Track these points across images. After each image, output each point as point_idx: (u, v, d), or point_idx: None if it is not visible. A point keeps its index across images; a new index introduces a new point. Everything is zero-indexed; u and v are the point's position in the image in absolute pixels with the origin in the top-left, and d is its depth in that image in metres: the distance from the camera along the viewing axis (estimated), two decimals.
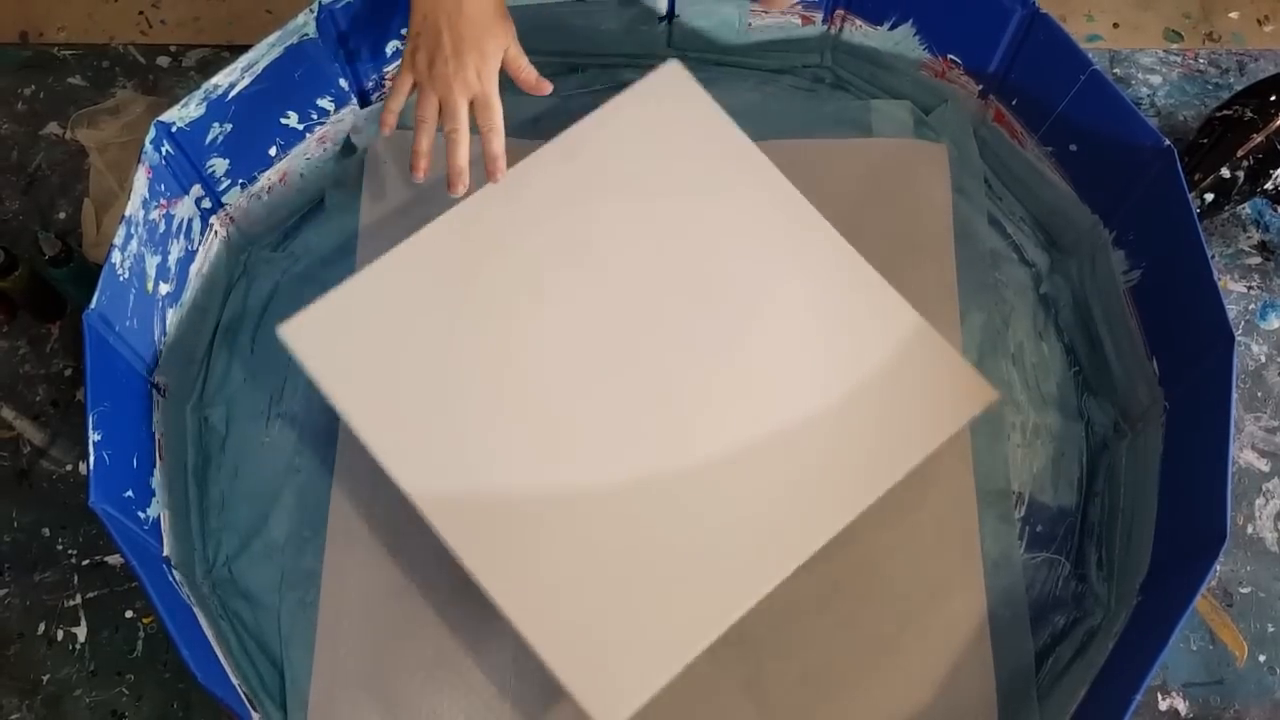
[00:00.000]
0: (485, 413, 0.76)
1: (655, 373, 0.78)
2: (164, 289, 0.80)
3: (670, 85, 0.84)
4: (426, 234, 0.79)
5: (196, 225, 0.84)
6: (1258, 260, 0.95)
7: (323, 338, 0.76)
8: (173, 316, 0.82)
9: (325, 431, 0.84)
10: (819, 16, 0.92)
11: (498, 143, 0.78)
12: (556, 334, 0.78)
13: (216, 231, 0.86)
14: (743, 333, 0.79)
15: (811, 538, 0.74)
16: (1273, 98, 0.91)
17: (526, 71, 0.80)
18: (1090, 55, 0.80)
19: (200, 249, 0.84)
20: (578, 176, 0.81)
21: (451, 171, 0.78)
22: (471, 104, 0.77)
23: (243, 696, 0.72)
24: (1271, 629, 0.84)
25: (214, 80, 0.78)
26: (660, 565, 0.73)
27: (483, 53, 0.76)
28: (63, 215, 0.93)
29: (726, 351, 0.79)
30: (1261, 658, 0.83)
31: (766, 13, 0.90)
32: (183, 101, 0.77)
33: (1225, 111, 0.93)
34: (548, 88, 0.81)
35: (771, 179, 0.83)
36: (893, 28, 0.90)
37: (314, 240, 0.91)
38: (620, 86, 0.96)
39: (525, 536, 0.73)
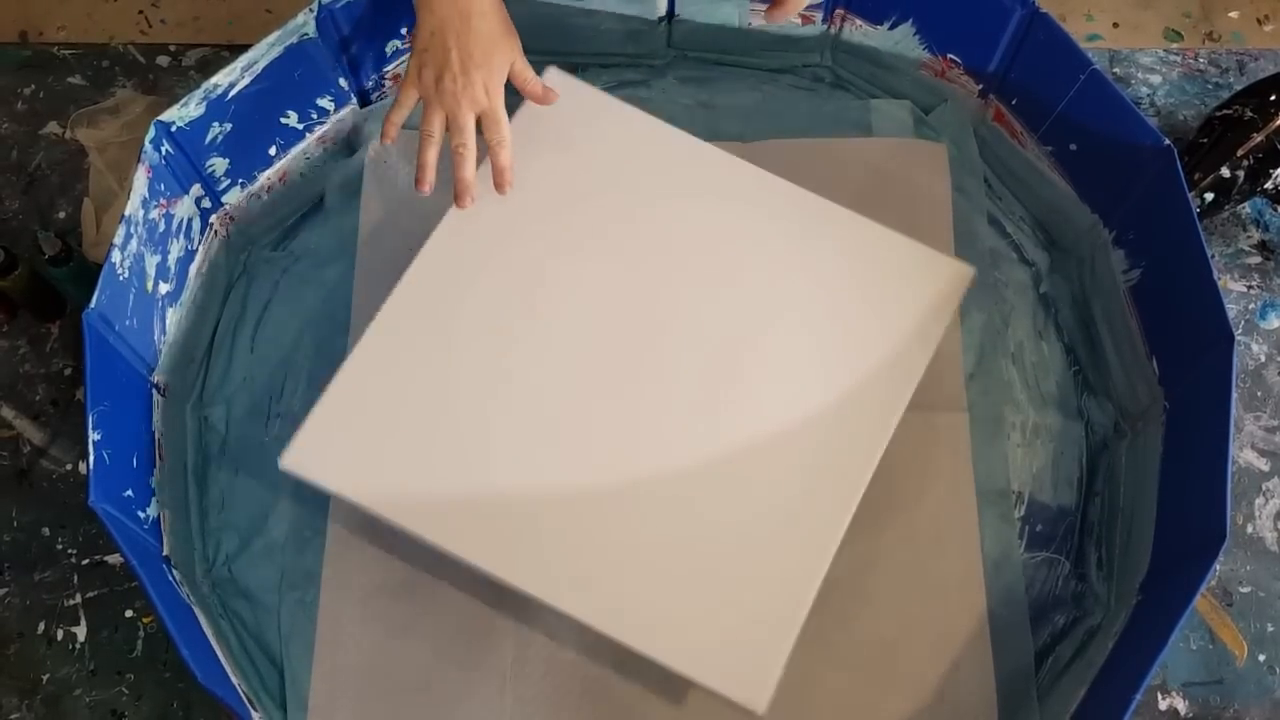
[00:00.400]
0: (509, 451, 0.75)
1: (664, 365, 0.78)
2: (164, 288, 0.80)
3: (563, 89, 0.84)
4: (404, 290, 0.78)
5: (196, 225, 0.84)
6: (1258, 260, 0.95)
7: (326, 451, 0.74)
8: (172, 316, 0.82)
9: None
10: (819, 16, 0.92)
11: (505, 156, 0.79)
12: (562, 348, 0.78)
13: (216, 231, 0.86)
14: (730, 302, 0.80)
15: (861, 468, 0.75)
16: (1273, 97, 0.91)
17: (533, 84, 0.81)
18: (1090, 55, 0.80)
19: (200, 248, 0.84)
20: (533, 198, 0.82)
21: (459, 185, 0.79)
22: (479, 118, 0.78)
23: (243, 696, 0.72)
24: (1271, 628, 0.84)
25: (214, 80, 0.78)
26: (723, 544, 0.73)
27: (490, 68, 0.77)
28: (62, 215, 0.93)
29: (721, 328, 0.79)
30: (1261, 657, 0.83)
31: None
32: (182, 101, 0.77)
33: (1225, 111, 0.93)
34: (554, 97, 0.82)
35: (704, 150, 0.84)
36: (892, 27, 0.90)
37: (314, 240, 0.91)
38: (621, 85, 0.97)
39: (586, 554, 0.73)
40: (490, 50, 0.76)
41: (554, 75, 0.84)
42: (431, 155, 0.79)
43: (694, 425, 0.76)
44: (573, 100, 0.84)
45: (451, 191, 0.80)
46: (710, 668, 0.70)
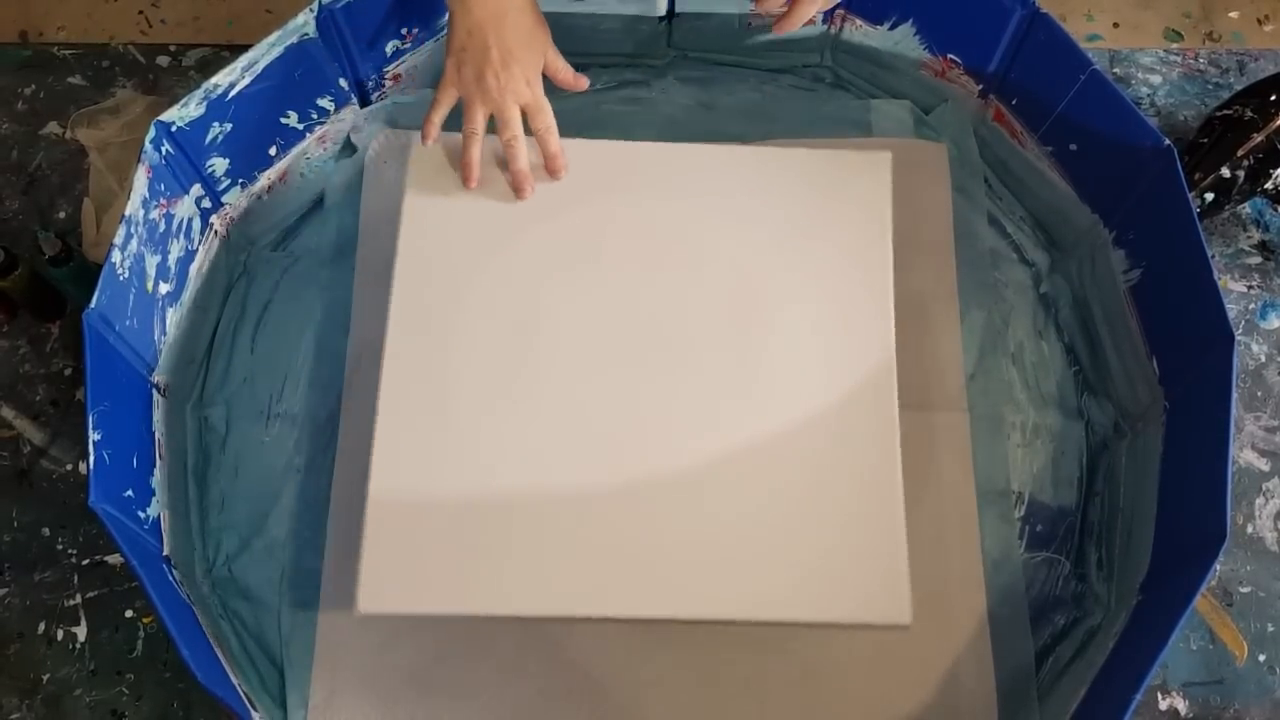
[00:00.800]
0: (564, 492, 0.74)
1: (668, 360, 0.78)
2: (164, 288, 0.80)
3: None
4: (395, 344, 0.77)
5: (196, 225, 0.84)
6: (1258, 260, 0.95)
7: (396, 576, 0.72)
8: (173, 316, 0.82)
9: (325, 431, 0.84)
10: (819, 16, 0.91)
11: (555, 141, 0.80)
12: (571, 368, 0.77)
13: (216, 231, 0.86)
14: (712, 285, 0.80)
15: (881, 379, 0.76)
16: (1273, 97, 0.91)
17: (564, 71, 0.82)
18: (1090, 55, 0.80)
19: (200, 248, 0.84)
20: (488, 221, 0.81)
21: (518, 177, 0.80)
22: (523, 110, 0.79)
23: (243, 696, 0.72)
24: (1271, 628, 0.84)
25: (214, 80, 0.78)
26: (789, 502, 0.74)
27: (529, 61, 0.78)
28: (63, 215, 0.93)
29: (711, 310, 0.79)
30: (1261, 657, 0.83)
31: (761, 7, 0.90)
32: (183, 101, 0.77)
33: (1225, 111, 0.93)
34: (585, 83, 0.83)
35: (651, 149, 0.84)
36: (893, 27, 0.90)
37: (314, 240, 0.91)
38: (621, 85, 0.97)
39: (674, 559, 0.72)
40: (529, 43, 0.78)
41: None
42: (476, 153, 0.80)
43: (714, 409, 0.76)
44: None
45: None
46: (848, 607, 0.72)
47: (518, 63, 0.77)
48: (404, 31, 0.88)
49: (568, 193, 0.81)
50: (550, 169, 0.81)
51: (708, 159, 0.83)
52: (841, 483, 0.74)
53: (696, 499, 0.74)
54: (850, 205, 0.81)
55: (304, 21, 0.79)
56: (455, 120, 0.93)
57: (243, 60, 0.78)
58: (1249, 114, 0.91)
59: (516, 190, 0.80)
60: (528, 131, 0.79)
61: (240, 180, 0.86)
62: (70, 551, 0.83)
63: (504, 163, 0.80)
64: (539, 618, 0.73)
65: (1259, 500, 0.87)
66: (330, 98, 0.87)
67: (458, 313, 0.78)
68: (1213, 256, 0.90)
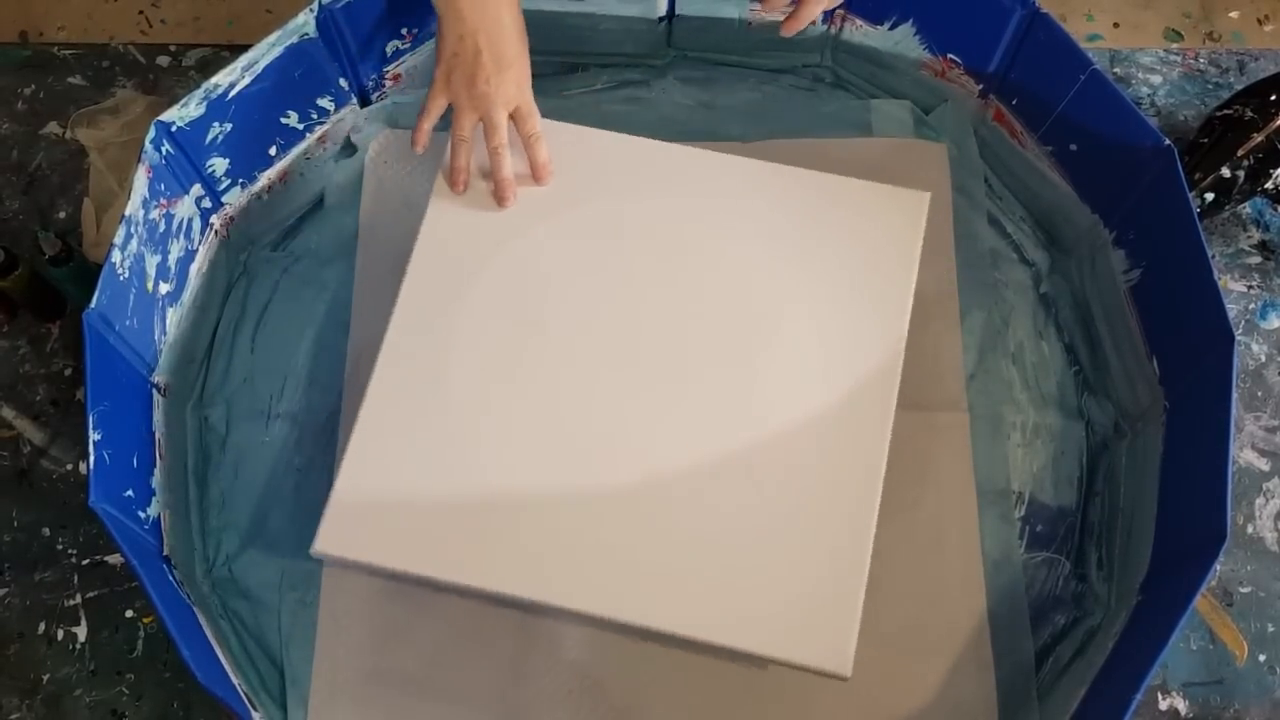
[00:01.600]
0: (539, 478, 0.74)
1: (667, 364, 0.78)
2: (164, 288, 0.80)
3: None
4: (399, 322, 0.78)
5: (196, 225, 0.84)
6: (1258, 260, 0.95)
7: (358, 526, 0.73)
8: (173, 316, 0.82)
9: (325, 431, 0.84)
10: (820, 15, 0.91)
11: (544, 150, 0.81)
12: (570, 363, 0.77)
13: (216, 231, 0.86)
14: (720, 293, 0.80)
15: (878, 417, 0.76)
16: (1273, 97, 0.91)
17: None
18: (1090, 55, 0.80)
19: (200, 248, 0.84)
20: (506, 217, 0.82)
21: (501, 185, 0.80)
22: (512, 115, 0.80)
23: (243, 696, 0.72)
24: (1271, 628, 0.84)
25: (214, 80, 0.78)
26: (763, 528, 0.73)
27: (521, 65, 0.79)
28: (63, 215, 0.93)
29: (715, 319, 0.79)
30: (1261, 657, 0.83)
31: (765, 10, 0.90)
32: (183, 101, 0.77)
33: (1225, 111, 0.93)
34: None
35: (667, 149, 0.84)
36: (893, 27, 0.90)
37: (314, 240, 0.91)
38: (621, 85, 0.97)
39: (637, 563, 0.72)
40: (520, 48, 0.79)
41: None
42: (466, 158, 0.80)
43: (706, 419, 0.76)
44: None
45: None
46: (789, 645, 0.71)
47: (510, 68, 0.78)
48: (404, 31, 0.88)
49: (586, 189, 0.82)
50: (536, 176, 0.81)
51: (739, 171, 0.83)
52: (816, 512, 0.74)
53: (670, 505, 0.74)
54: (878, 238, 0.81)
55: (304, 21, 0.79)
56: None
57: (243, 60, 0.78)
58: (1249, 114, 0.91)
59: (499, 199, 0.81)
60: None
61: (240, 180, 0.86)
62: (70, 551, 0.83)
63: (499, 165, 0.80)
64: (485, 591, 0.72)
65: (1259, 500, 0.87)
66: (330, 98, 0.87)
67: (461, 309, 0.78)
68: (1213, 256, 0.89)
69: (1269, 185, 0.91)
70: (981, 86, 0.90)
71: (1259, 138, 0.90)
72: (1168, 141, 0.77)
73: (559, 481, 0.74)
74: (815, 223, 0.82)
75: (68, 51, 0.99)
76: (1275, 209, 0.96)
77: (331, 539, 0.72)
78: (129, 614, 0.82)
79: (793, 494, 0.74)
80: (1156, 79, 1.01)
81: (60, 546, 0.84)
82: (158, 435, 0.79)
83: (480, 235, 0.81)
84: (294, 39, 0.80)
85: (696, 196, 0.82)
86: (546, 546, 0.73)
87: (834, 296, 0.80)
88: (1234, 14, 1.06)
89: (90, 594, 0.82)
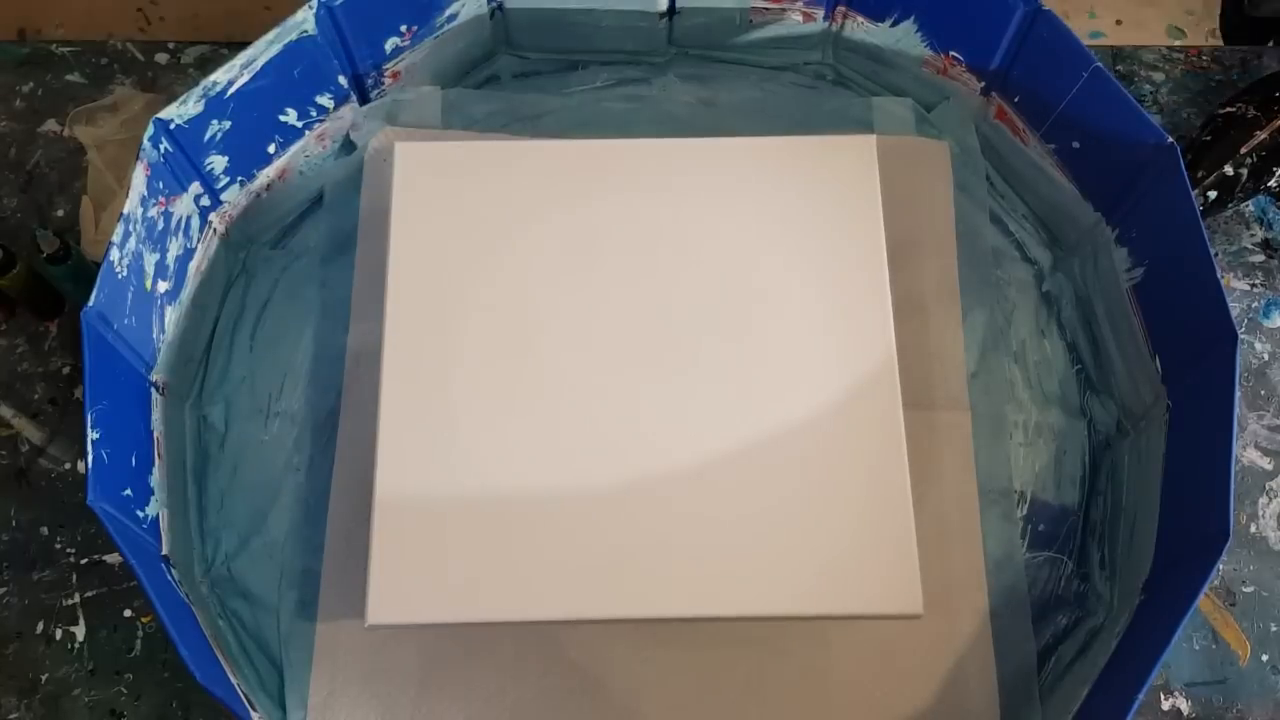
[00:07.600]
0: (572, 497, 0.73)
1: (666, 359, 0.77)
2: (163, 287, 0.80)
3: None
4: (391, 364, 0.76)
5: (195, 223, 0.83)
6: (1261, 258, 0.95)
7: (405, 588, 0.72)
8: (171, 314, 0.81)
9: (325, 430, 0.84)
10: (820, 13, 0.91)
11: None
12: (571, 376, 0.76)
13: (215, 229, 0.86)
14: (700, 280, 0.79)
15: (883, 366, 0.76)
16: (1276, 94, 0.90)
17: None
18: (1093, 52, 0.80)
19: (199, 247, 0.84)
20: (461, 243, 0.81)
21: None
22: None
23: (242, 696, 0.72)
24: (1275, 628, 0.83)
25: (213, 77, 0.77)
26: (797, 496, 0.74)
27: None
28: (61, 213, 0.93)
29: (704, 306, 0.78)
30: (1264, 657, 0.83)
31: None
32: (181, 99, 0.77)
33: (1228, 108, 0.92)
34: None
35: (613, 146, 0.83)
36: (894, 24, 0.90)
37: (313, 238, 0.91)
38: (622, 83, 0.96)
39: (684, 558, 0.72)
40: None
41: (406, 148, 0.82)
42: None
43: (718, 404, 0.76)
44: (448, 154, 0.82)
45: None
46: (859, 598, 0.72)
47: None
48: (403, 29, 0.87)
49: (551, 193, 0.81)
50: None
51: (690, 153, 0.82)
52: (847, 476, 0.74)
53: (703, 497, 0.73)
54: (839, 193, 0.81)
55: (303, 18, 0.79)
56: (453, 119, 0.93)
57: (241, 57, 0.78)
58: (1252, 111, 0.90)
59: None
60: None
61: (239, 178, 0.85)
62: (69, 551, 0.83)
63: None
64: (551, 622, 0.73)
65: (1262, 499, 0.87)
66: (330, 95, 0.87)
67: (453, 316, 0.77)
68: (1215, 255, 0.89)
69: (1272, 183, 0.91)
70: (983, 84, 0.89)
71: (1262, 135, 0.89)
72: (1170, 139, 0.77)
73: (591, 497, 0.73)
74: (777, 191, 0.81)
75: (66, 49, 0.99)
76: (1278, 207, 0.96)
77: (382, 609, 0.71)
78: (127, 613, 0.82)
79: (819, 458, 0.74)
80: (1159, 76, 1.01)
81: (58, 546, 0.83)
82: (156, 434, 0.79)
83: (459, 240, 0.79)
84: (293, 36, 0.79)
85: (652, 189, 0.81)
86: (595, 562, 0.72)
87: (814, 266, 0.79)
88: None
89: (89, 593, 0.82)
